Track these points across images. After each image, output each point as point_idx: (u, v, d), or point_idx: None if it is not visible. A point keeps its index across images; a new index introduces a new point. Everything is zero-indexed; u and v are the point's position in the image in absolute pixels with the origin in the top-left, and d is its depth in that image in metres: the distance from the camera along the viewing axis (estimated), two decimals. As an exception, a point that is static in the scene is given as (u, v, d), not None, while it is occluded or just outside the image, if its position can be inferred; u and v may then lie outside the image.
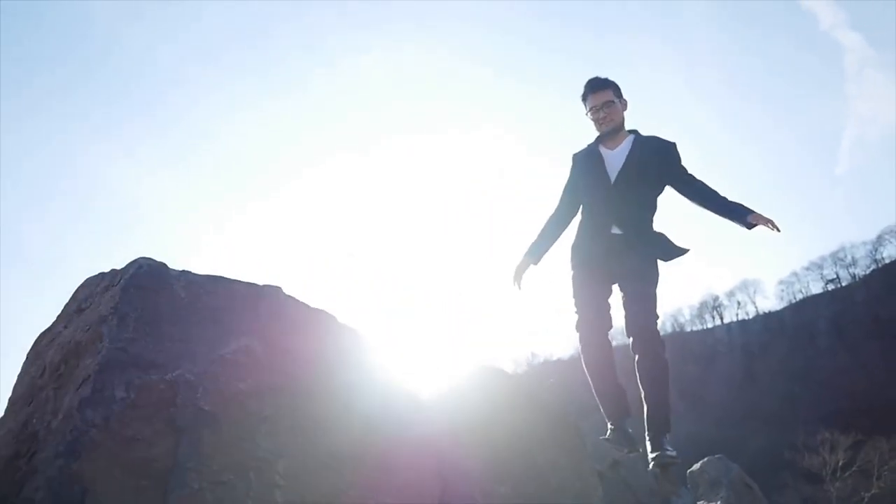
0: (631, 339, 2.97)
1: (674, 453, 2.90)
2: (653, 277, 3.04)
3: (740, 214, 2.92)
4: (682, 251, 3.11)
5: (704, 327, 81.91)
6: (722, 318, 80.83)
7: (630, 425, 3.08)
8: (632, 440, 3.02)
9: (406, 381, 1.91)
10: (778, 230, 2.82)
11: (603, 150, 3.17)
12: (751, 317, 79.14)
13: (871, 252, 71.91)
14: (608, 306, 3.10)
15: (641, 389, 2.97)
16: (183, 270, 1.52)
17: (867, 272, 72.32)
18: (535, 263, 3.29)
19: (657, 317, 2.99)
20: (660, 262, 3.10)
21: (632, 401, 3.10)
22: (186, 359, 1.35)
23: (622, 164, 3.08)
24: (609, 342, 3.08)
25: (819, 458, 38.25)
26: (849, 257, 74.89)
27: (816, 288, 76.77)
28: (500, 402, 1.94)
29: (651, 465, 2.85)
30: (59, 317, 1.61)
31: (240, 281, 1.67)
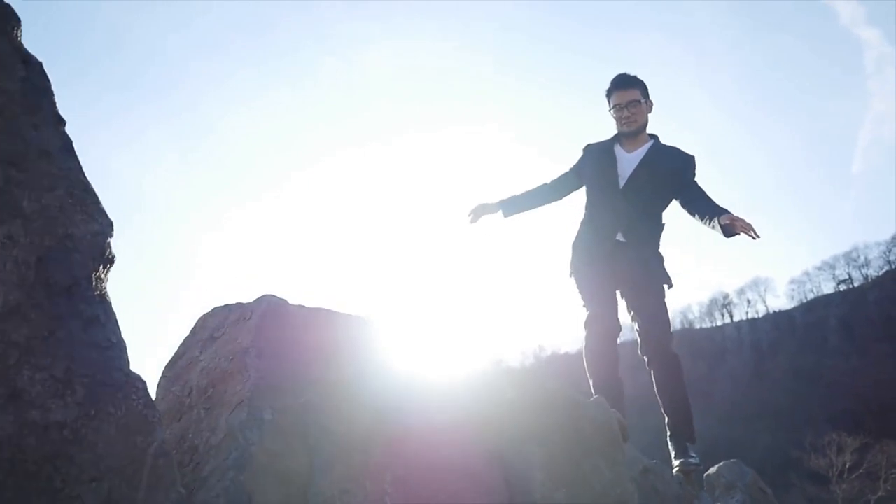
0: (646, 358, 2.91)
1: (697, 460, 2.89)
2: (661, 290, 2.96)
3: (712, 218, 2.74)
4: (669, 282, 3.01)
5: (714, 325, 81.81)
6: (731, 317, 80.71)
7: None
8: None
9: (427, 377, 2.01)
10: (756, 236, 2.61)
11: (619, 150, 3.04)
12: (761, 315, 78.94)
13: (885, 253, 71.39)
14: (616, 304, 3.01)
15: (661, 402, 2.94)
16: (299, 305, 1.79)
17: (880, 273, 71.84)
18: (505, 216, 3.17)
19: (671, 335, 2.95)
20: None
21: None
22: (309, 384, 1.62)
23: (634, 169, 2.96)
24: (616, 345, 3.00)
25: (826, 459, 38.35)
26: (862, 258, 74.46)
27: (828, 288, 76.45)
28: (534, 407, 2.19)
29: (675, 471, 2.85)
30: (189, 340, 1.88)
31: (339, 313, 1.92)
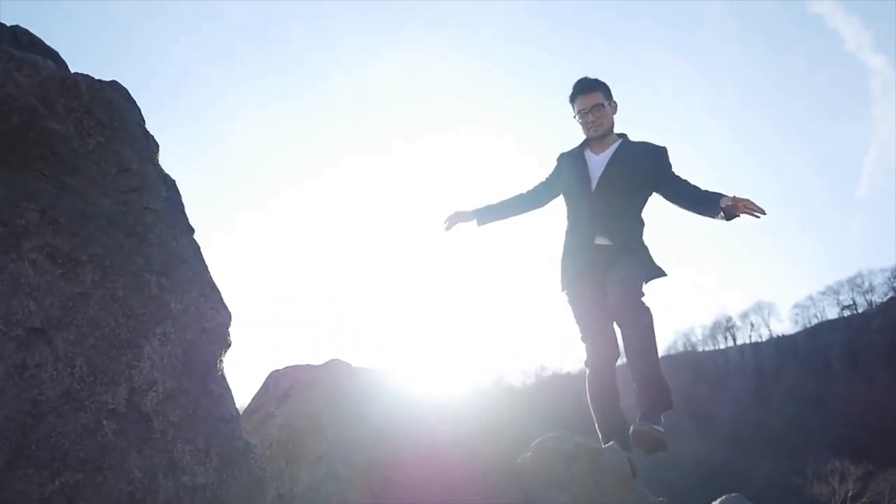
0: (614, 311, 2.79)
1: (663, 431, 2.63)
2: (639, 271, 2.86)
3: (712, 205, 2.65)
4: (661, 272, 2.95)
5: (717, 348, 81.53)
6: (735, 340, 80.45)
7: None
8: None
9: (424, 392, 2.12)
10: (761, 212, 2.50)
11: (588, 154, 3.02)
12: (764, 339, 78.71)
13: (890, 279, 71.36)
14: (612, 330, 2.93)
15: (630, 368, 2.75)
16: (362, 368, 2.07)
17: (885, 299, 71.69)
18: (479, 224, 3.13)
19: (642, 291, 2.80)
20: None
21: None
22: (373, 441, 1.90)
23: (603, 169, 2.92)
24: (615, 373, 2.95)
25: (828, 487, 38.13)
26: (866, 283, 74.39)
27: (832, 313, 76.28)
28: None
29: (632, 435, 2.63)
30: (261, 395, 2.16)
31: (365, 369, 2.19)
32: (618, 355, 2.94)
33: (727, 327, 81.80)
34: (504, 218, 3.17)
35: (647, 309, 2.75)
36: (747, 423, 64.65)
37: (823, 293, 77.73)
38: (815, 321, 76.97)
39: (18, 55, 1.30)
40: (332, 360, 2.05)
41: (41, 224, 1.21)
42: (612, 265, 2.87)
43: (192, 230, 1.55)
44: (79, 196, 1.30)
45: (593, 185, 2.95)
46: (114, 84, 1.52)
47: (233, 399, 1.48)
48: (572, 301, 3.00)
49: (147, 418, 1.25)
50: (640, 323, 2.72)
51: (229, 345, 1.50)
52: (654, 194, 3.00)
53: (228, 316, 1.51)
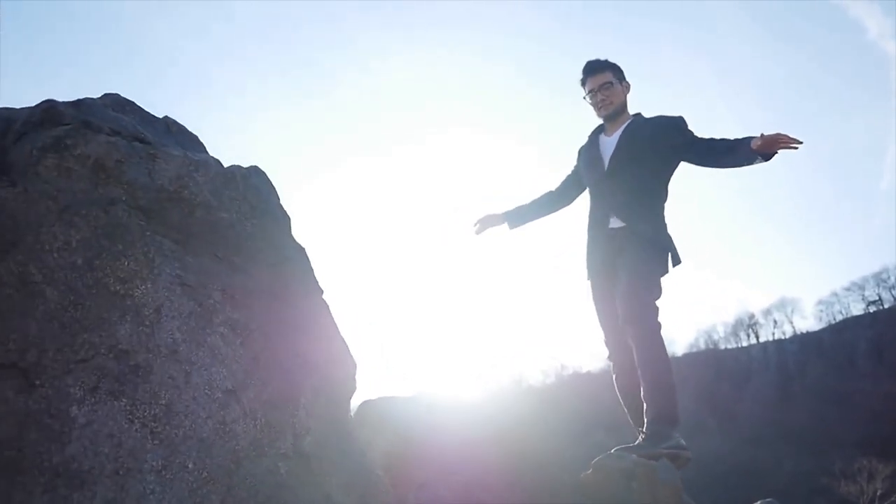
0: (622, 325, 2.78)
1: (685, 444, 2.62)
2: (648, 269, 2.79)
3: (744, 151, 2.55)
4: (674, 259, 2.89)
5: (739, 345, 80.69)
6: (758, 337, 79.54)
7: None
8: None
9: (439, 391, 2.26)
10: (797, 142, 2.42)
11: (602, 137, 3.01)
12: (787, 336, 77.74)
13: (917, 274, 70.08)
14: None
15: (641, 380, 2.74)
16: (446, 404, 2.32)
17: (911, 295, 70.43)
18: (511, 227, 3.14)
19: (653, 306, 2.76)
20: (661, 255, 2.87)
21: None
22: (460, 465, 2.16)
23: (614, 148, 2.90)
24: (636, 368, 2.86)
25: (856, 486, 37.66)
26: (892, 278, 73.06)
27: (857, 309, 75.07)
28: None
29: (662, 457, 2.60)
30: (359, 425, 2.42)
31: (445, 397, 2.42)
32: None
33: (750, 324, 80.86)
34: (535, 219, 3.17)
35: (653, 322, 2.71)
36: (771, 421, 63.94)
37: (848, 289, 76.49)
38: (839, 317, 75.83)
39: (195, 158, 1.57)
40: (420, 392, 2.31)
41: (223, 301, 1.47)
42: (620, 255, 2.81)
43: (321, 291, 1.81)
44: (244, 272, 1.57)
45: (605, 166, 2.92)
46: (256, 170, 1.79)
47: (360, 436, 1.73)
48: (592, 295, 2.99)
49: (307, 459, 1.51)
50: (646, 341, 2.68)
51: (355, 389, 1.76)
52: (683, 164, 2.90)
53: (354, 365, 1.77)
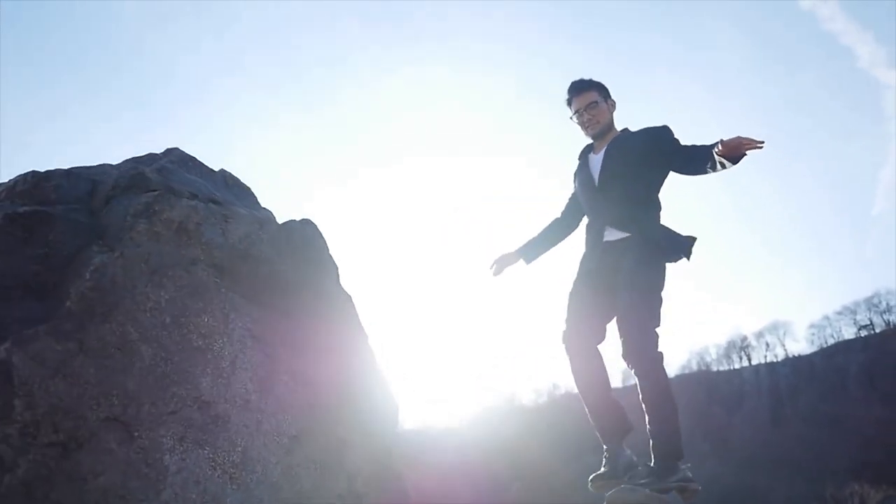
0: (629, 365, 2.73)
1: (692, 476, 2.61)
2: (648, 283, 2.79)
3: (709, 157, 2.60)
4: (689, 240, 2.88)
5: (731, 367, 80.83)
6: (750, 360, 79.69)
7: (630, 446, 2.82)
8: (631, 464, 2.76)
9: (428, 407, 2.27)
10: (760, 142, 2.47)
11: (591, 156, 3.04)
12: (780, 359, 77.98)
13: (907, 299, 70.65)
14: (601, 317, 2.88)
15: (646, 415, 2.71)
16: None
17: (902, 320, 70.93)
18: (527, 263, 3.14)
19: (655, 336, 2.76)
20: (667, 265, 2.84)
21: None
22: None
23: (602, 163, 2.93)
24: (599, 354, 2.90)
25: (848, 512, 37.53)
26: (884, 303, 73.64)
27: (849, 333, 75.46)
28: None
29: (672, 490, 2.54)
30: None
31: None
32: (601, 338, 2.84)
33: (742, 346, 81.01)
34: (549, 249, 3.19)
35: (657, 357, 2.70)
36: (763, 445, 63.89)
37: (840, 313, 76.88)
38: (831, 341, 76.17)
39: (259, 216, 1.70)
40: (447, 429, 2.41)
41: (285, 351, 1.59)
42: (620, 263, 2.80)
43: (367, 336, 1.93)
44: (301, 323, 1.69)
45: (596, 181, 2.94)
46: (308, 223, 1.91)
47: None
48: (571, 290, 2.98)
49: (359, 498, 1.61)
50: (650, 377, 2.67)
51: (397, 426, 1.86)
52: (672, 173, 2.88)
53: (396, 407, 1.88)
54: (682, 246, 2.86)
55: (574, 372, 2.86)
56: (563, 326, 2.88)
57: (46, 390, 1.12)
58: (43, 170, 1.59)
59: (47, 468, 1.09)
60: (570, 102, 3.02)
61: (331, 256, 1.95)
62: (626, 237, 2.83)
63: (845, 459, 54.74)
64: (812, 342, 79.08)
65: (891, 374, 65.15)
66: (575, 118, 3.01)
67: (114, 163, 1.86)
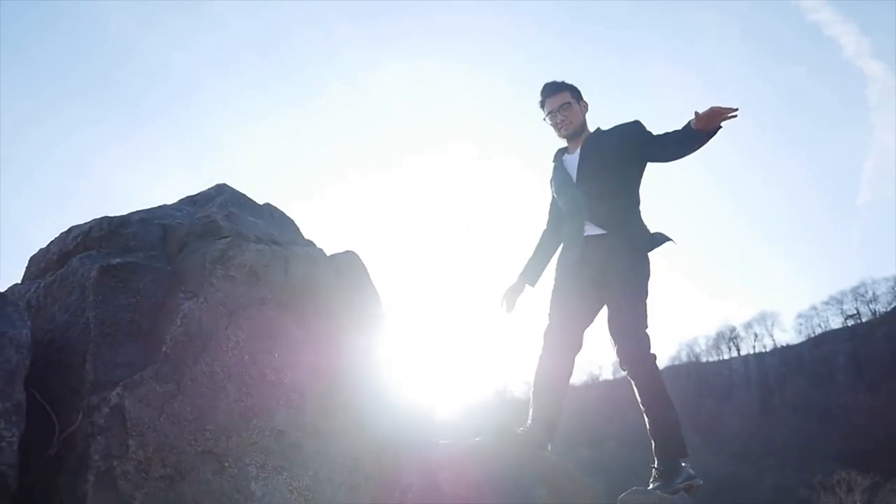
0: (625, 370, 2.84)
1: (696, 474, 2.75)
2: (636, 289, 2.86)
3: (691, 135, 2.67)
4: (662, 239, 2.93)
5: (721, 358, 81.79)
6: (738, 350, 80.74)
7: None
8: (543, 439, 2.83)
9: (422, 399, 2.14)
10: (733, 110, 2.52)
11: (566, 156, 3.11)
12: (768, 350, 79.04)
13: (893, 288, 71.81)
14: (584, 318, 2.96)
15: (646, 418, 2.84)
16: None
17: (889, 308, 72.08)
18: (532, 285, 3.17)
19: (647, 339, 2.84)
20: (649, 257, 2.93)
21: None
22: None
23: (578, 161, 3.00)
24: (572, 362, 2.96)
25: (836, 499, 38.31)
26: (870, 293, 74.84)
27: (836, 323, 76.61)
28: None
29: (679, 490, 2.71)
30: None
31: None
32: (579, 346, 2.95)
33: (731, 337, 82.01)
34: (547, 264, 3.22)
35: (651, 361, 2.80)
36: (752, 435, 64.81)
37: (827, 303, 78.07)
38: (818, 331, 77.29)
39: (313, 253, 1.84)
40: (478, 441, 2.56)
41: (340, 377, 1.73)
42: (604, 262, 2.86)
43: (408, 357, 2.08)
44: (349, 351, 1.83)
45: (574, 179, 3.00)
46: (351, 254, 2.05)
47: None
48: (555, 286, 3.02)
49: None
50: (647, 381, 2.77)
51: (434, 437, 2.02)
52: (650, 165, 3.01)
53: (433, 417, 2.03)
54: (658, 242, 2.93)
55: (543, 367, 2.90)
56: (547, 322, 2.96)
57: (154, 429, 1.26)
58: (115, 215, 1.72)
59: (158, 499, 1.23)
60: (542, 104, 3.09)
61: (373, 284, 2.09)
62: (606, 234, 2.88)
63: (833, 447, 55.68)
64: (800, 332, 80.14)
65: (877, 363, 66.29)
66: (548, 119, 3.09)
67: (170, 202, 1.99)
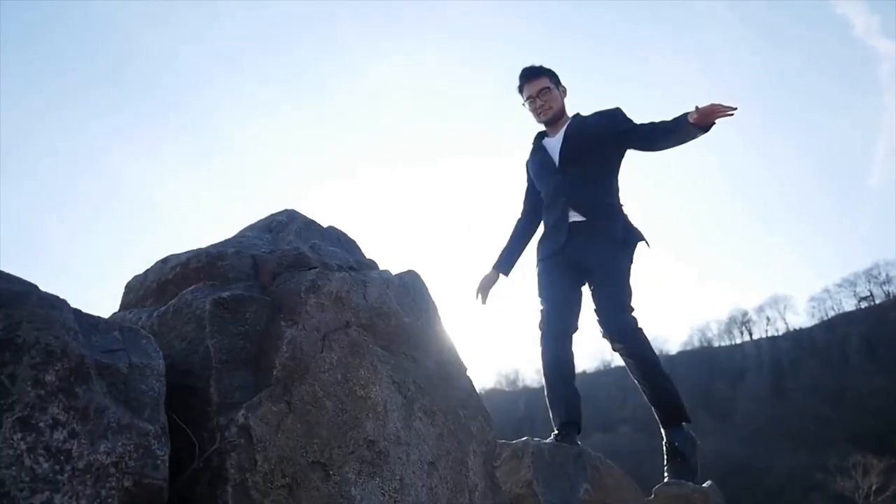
0: (609, 341, 2.84)
1: (694, 436, 2.84)
2: (621, 266, 2.86)
3: (683, 127, 2.63)
4: (639, 237, 2.95)
5: (733, 343, 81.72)
6: (751, 334, 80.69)
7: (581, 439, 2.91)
8: (575, 436, 2.86)
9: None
10: (732, 109, 2.45)
11: (546, 140, 3.09)
12: (781, 333, 78.87)
13: (907, 270, 71.31)
14: (576, 303, 2.98)
15: (643, 391, 2.87)
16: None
17: (902, 291, 71.62)
18: (506, 275, 3.16)
19: (632, 310, 2.84)
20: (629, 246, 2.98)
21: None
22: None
23: (561, 145, 2.97)
24: (572, 342, 2.97)
25: (851, 482, 38.41)
26: (883, 275, 74.43)
27: (849, 305, 76.36)
28: None
29: (672, 452, 2.82)
30: None
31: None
32: (576, 327, 2.98)
33: (743, 322, 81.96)
34: (521, 253, 3.24)
35: (641, 332, 2.80)
36: (766, 418, 64.84)
37: (840, 285, 77.82)
38: (832, 314, 77.08)
39: (386, 277, 2.02)
40: (527, 439, 2.74)
41: (416, 390, 1.91)
42: (588, 245, 2.86)
43: (466, 367, 2.25)
44: (422, 364, 2.01)
45: (556, 163, 2.98)
46: (413, 273, 2.23)
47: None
48: (541, 273, 3.02)
49: None
50: (640, 353, 2.78)
51: (497, 442, 2.20)
52: (630, 151, 3.02)
53: (491, 423, 2.21)
54: (637, 236, 2.96)
55: (548, 356, 2.93)
56: (540, 314, 2.98)
57: (274, 444, 1.45)
58: (210, 248, 1.90)
59: (281, 505, 1.42)
60: (521, 89, 3.08)
61: (433, 300, 2.26)
62: (588, 220, 2.88)
63: (847, 430, 55.66)
64: (812, 315, 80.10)
65: (892, 345, 65.95)
66: (527, 105, 3.07)
67: (250, 233, 2.17)
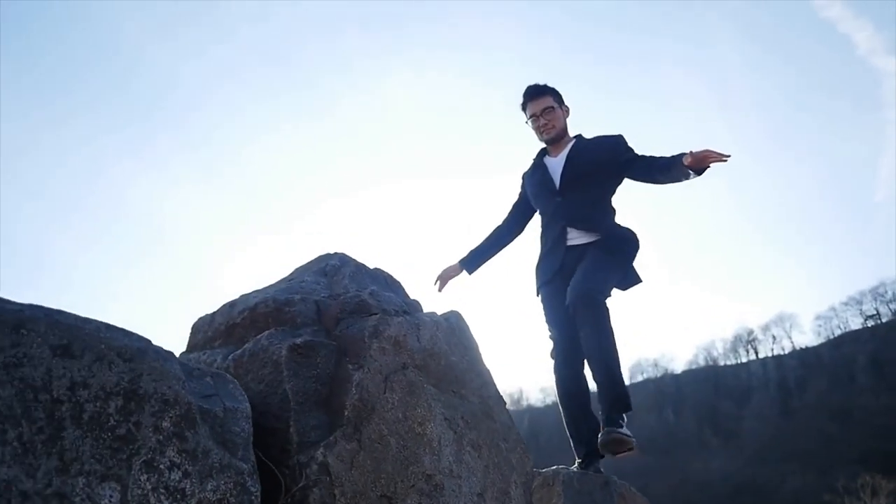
0: (571, 309, 2.75)
1: (628, 433, 2.67)
2: (607, 263, 2.80)
3: (677, 168, 2.59)
4: (637, 279, 2.93)
5: (739, 361, 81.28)
6: (757, 353, 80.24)
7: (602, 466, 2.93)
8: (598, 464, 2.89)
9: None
10: (726, 156, 2.42)
11: (547, 159, 3.08)
12: (787, 352, 78.47)
13: (913, 289, 71.10)
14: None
15: (591, 368, 2.80)
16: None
17: (908, 309, 71.36)
18: (469, 272, 3.17)
19: (607, 286, 2.77)
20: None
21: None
22: None
23: (563, 167, 2.98)
24: (583, 369, 2.95)
25: (860, 503, 38.00)
26: (889, 293, 74.14)
27: (855, 324, 76.00)
28: None
29: (600, 444, 2.72)
30: None
31: None
32: (584, 356, 2.91)
33: (749, 340, 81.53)
34: (491, 256, 3.18)
35: (603, 305, 2.70)
36: (773, 438, 64.32)
37: (846, 303, 77.51)
38: (838, 332, 76.69)
39: (435, 319, 2.18)
40: (557, 467, 2.88)
41: (464, 426, 2.07)
42: (581, 262, 2.86)
43: (504, 402, 2.40)
44: (468, 401, 2.16)
45: (557, 184, 2.97)
46: (456, 314, 2.39)
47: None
48: (544, 300, 3.02)
49: None
50: (597, 323, 2.67)
51: (534, 474, 2.34)
52: (627, 181, 3.00)
53: (528, 454, 2.36)
54: (630, 278, 2.90)
55: (564, 386, 2.96)
56: (551, 342, 2.98)
57: (349, 480, 1.61)
58: (277, 293, 2.07)
59: (356, 536, 1.57)
60: (524, 107, 3.06)
61: (474, 338, 2.42)
62: (589, 242, 2.88)
63: (855, 450, 55.16)
64: (819, 334, 79.62)
65: (898, 364, 65.46)
66: (530, 122, 3.06)
67: (308, 277, 2.34)
